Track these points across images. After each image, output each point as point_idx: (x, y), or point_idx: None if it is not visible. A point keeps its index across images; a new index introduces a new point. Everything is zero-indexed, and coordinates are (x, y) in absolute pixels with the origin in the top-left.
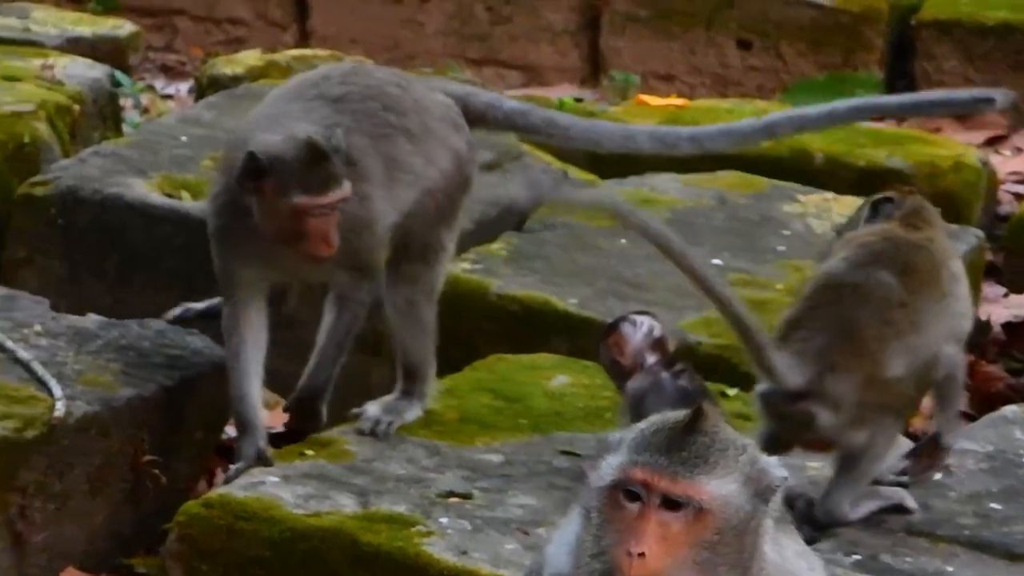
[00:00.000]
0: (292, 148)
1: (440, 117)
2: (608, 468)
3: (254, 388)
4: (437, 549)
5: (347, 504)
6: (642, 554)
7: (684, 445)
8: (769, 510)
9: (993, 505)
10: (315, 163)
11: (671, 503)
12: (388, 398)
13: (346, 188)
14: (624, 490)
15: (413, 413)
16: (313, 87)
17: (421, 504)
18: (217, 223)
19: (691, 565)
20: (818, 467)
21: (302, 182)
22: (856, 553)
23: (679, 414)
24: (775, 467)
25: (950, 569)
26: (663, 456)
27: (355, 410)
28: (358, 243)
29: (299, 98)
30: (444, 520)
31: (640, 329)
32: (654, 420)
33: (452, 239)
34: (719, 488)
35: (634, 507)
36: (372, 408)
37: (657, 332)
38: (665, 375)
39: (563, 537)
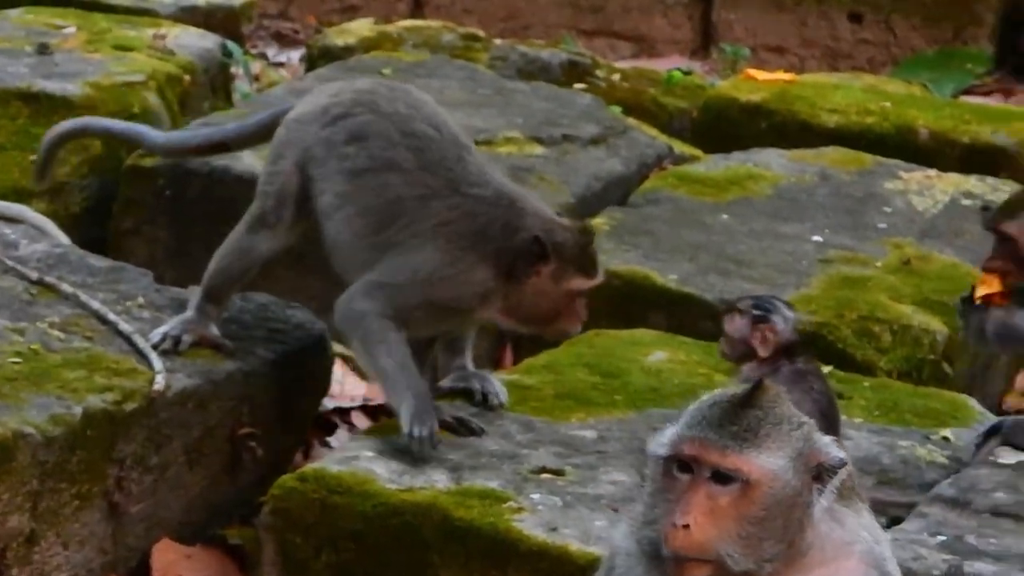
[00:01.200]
0: (572, 234)
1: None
2: (663, 440)
3: None
4: (528, 525)
5: (440, 479)
6: (687, 526)
7: (737, 419)
8: (826, 490)
9: None
10: (590, 247)
11: (721, 476)
12: (471, 370)
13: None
14: (677, 462)
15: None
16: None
17: (514, 480)
18: (455, 286)
19: (736, 539)
20: None
21: (581, 266)
22: (941, 534)
23: (739, 388)
24: (832, 447)
25: None
26: (714, 430)
27: (444, 384)
28: None
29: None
30: (536, 496)
31: (788, 325)
32: (715, 394)
33: None
34: (768, 463)
35: (685, 479)
36: (473, 382)
37: (793, 326)
38: (784, 361)
39: (630, 515)
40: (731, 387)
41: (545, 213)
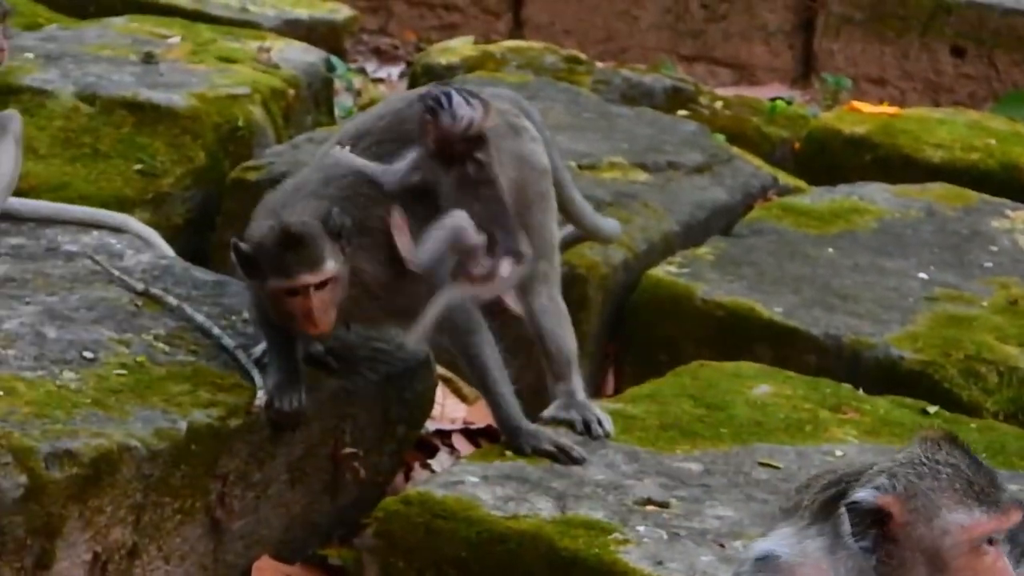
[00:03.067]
0: (268, 235)
1: (496, 133)
2: (967, 522)
3: None
4: (633, 557)
5: (545, 508)
6: None
7: (993, 475)
8: None
9: None
10: (286, 248)
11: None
12: (577, 398)
13: (327, 270)
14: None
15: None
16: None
17: (619, 511)
18: None
19: None
20: None
21: (275, 267)
22: None
23: (935, 443)
24: None
25: None
26: (1002, 493)
27: (546, 414)
28: (409, 303)
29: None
30: (641, 528)
31: (459, 123)
32: (929, 455)
33: (555, 224)
34: None
35: (992, 551)
36: (572, 412)
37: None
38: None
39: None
40: (916, 443)
41: (271, 220)
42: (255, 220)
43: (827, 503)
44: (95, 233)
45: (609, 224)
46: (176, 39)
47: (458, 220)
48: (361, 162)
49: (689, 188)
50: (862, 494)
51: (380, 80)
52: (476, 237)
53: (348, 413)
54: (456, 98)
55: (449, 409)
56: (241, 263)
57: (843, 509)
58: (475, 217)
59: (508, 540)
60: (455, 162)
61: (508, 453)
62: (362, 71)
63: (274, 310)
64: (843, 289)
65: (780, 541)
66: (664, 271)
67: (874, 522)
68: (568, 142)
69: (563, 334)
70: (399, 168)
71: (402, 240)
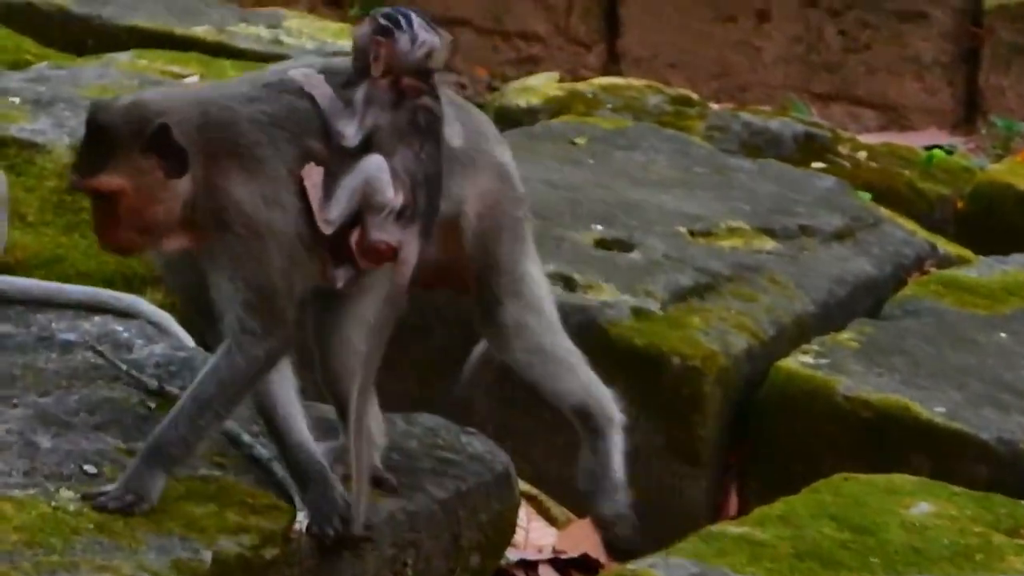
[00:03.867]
0: None
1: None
2: None
3: None
4: None
5: None
6: None
7: None
8: None
9: None
10: (84, 139)
11: None
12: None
13: (102, 181)
14: None
15: None
16: None
17: None
18: None
19: None
20: None
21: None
22: None
23: None
24: None
25: None
26: None
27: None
28: (249, 268)
29: None
30: None
31: (418, 49)
32: None
33: (535, 267)
34: None
35: None
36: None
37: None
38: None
39: None
40: None
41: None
42: None
43: None
44: (97, 319)
45: None
46: (194, 78)
47: (372, 168)
48: (327, 97)
49: (827, 259)
50: None
51: None
52: (390, 193)
53: (410, 540)
54: (417, 19)
55: (535, 535)
56: None
57: None
58: (400, 171)
59: None
60: (398, 101)
61: None
62: None
63: None
64: (1019, 383)
65: None
66: (797, 362)
67: None
68: (676, 202)
69: (570, 386)
70: (355, 113)
71: (315, 199)
